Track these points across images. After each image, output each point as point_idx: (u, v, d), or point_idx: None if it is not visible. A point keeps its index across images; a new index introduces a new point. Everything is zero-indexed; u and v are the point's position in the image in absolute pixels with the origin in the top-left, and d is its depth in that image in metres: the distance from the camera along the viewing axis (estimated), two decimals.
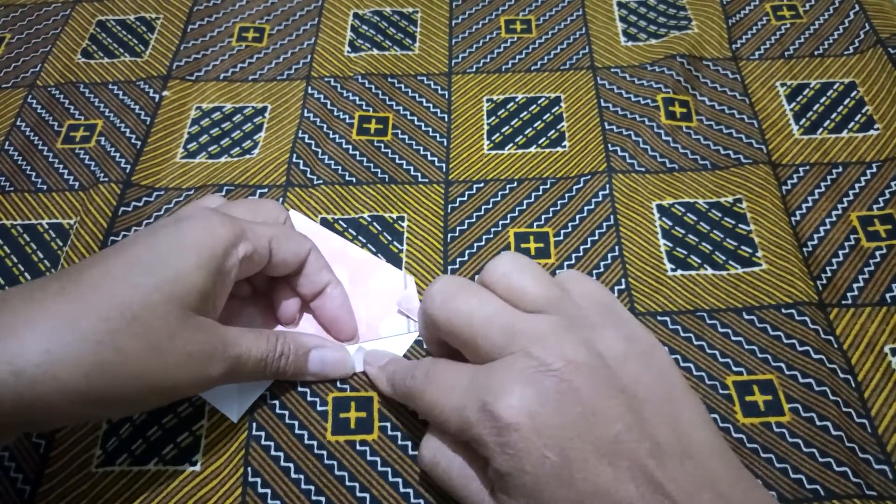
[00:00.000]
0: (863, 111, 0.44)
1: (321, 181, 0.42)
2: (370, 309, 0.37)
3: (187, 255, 0.29)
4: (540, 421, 0.25)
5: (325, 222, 0.40)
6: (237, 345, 0.30)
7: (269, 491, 0.31)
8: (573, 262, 0.38)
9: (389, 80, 0.47)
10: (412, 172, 0.43)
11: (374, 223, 0.40)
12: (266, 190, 0.42)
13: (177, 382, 0.28)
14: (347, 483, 0.32)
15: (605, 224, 0.40)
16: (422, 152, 0.44)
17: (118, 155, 0.44)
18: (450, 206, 0.41)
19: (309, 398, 0.34)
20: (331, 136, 0.44)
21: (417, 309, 0.35)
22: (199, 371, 0.29)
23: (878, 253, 0.38)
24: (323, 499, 0.31)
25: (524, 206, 0.41)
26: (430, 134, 0.45)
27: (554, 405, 0.25)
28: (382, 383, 0.33)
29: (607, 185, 0.41)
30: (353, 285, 0.37)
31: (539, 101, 0.46)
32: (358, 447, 0.33)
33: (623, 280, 0.38)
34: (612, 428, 0.25)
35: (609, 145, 0.43)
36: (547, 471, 0.24)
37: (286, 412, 0.33)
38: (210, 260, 0.29)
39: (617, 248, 0.39)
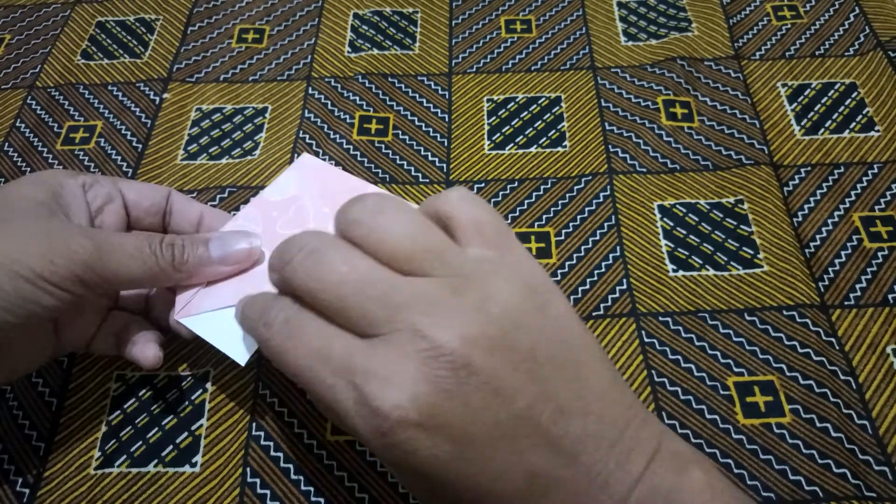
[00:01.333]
0: (864, 112, 0.44)
1: None
2: None
3: (34, 184, 0.31)
4: (435, 419, 0.22)
5: None
6: (98, 232, 0.29)
7: (268, 492, 0.31)
8: (574, 261, 0.38)
9: (390, 80, 0.47)
10: (413, 173, 0.42)
11: None
12: None
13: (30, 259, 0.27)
14: (347, 483, 0.31)
15: (606, 224, 0.40)
16: (422, 152, 0.43)
17: (119, 157, 0.44)
18: None
19: (308, 398, 0.34)
20: (331, 136, 0.44)
21: None
22: (56, 250, 0.27)
23: (880, 254, 0.38)
24: (322, 499, 0.31)
25: (525, 206, 0.41)
26: (431, 134, 0.44)
27: (450, 397, 0.22)
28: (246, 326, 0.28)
29: (608, 186, 0.41)
30: None
31: (539, 101, 0.46)
32: (357, 447, 0.32)
33: (624, 280, 0.37)
34: (515, 406, 0.23)
35: (610, 146, 0.43)
36: (438, 466, 0.22)
37: (285, 410, 0.33)
38: (49, 186, 0.31)
39: (618, 248, 0.39)
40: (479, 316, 0.23)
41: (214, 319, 0.31)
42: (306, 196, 0.35)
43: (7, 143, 0.45)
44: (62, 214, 0.30)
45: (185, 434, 0.33)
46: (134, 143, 0.44)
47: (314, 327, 0.24)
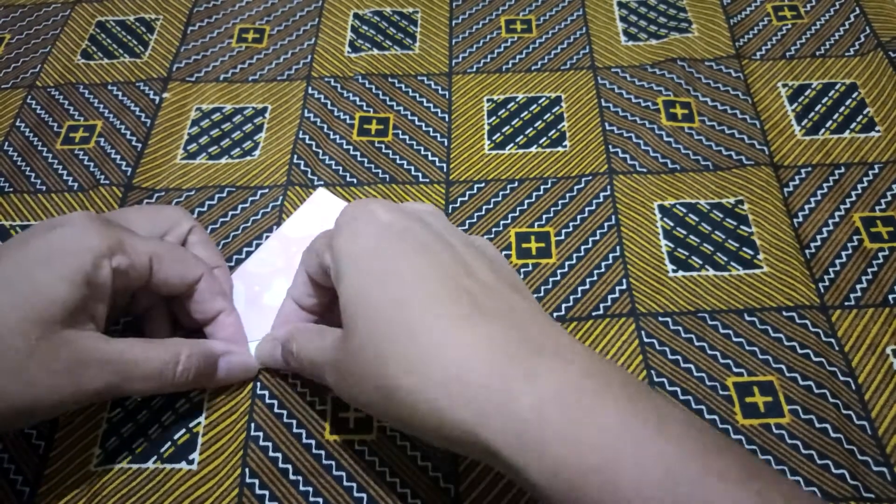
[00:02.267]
0: (864, 112, 0.44)
1: (322, 182, 0.42)
2: None
3: (52, 268, 0.28)
4: (378, 237, 0.27)
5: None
6: (121, 356, 0.29)
7: (267, 492, 0.31)
8: (574, 261, 0.38)
9: (390, 80, 0.47)
10: (413, 172, 0.42)
11: None
12: (267, 190, 0.42)
13: (38, 400, 0.28)
14: (345, 483, 0.31)
15: (606, 224, 0.40)
16: (422, 152, 0.43)
17: (118, 157, 0.44)
18: (451, 206, 0.41)
19: (308, 398, 0.34)
20: (331, 136, 0.44)
21: None
22: (68, 386, 0.28)
23: (880, 254, 0.38)
24: (321, 499, 0.31)
25: (525, 206, 0.41)
26: (431, 134, 0.44)
27: (391, 231, 0.27)
28: (265, 355, 0.34)
29: (608, 186, 0.41)
30: None
31: (540, 101, 0.46)
32: (356, 447, 0.32)
33: (624, 280, 0.37)
34: (440, 256, 0.27)
35: (610, 146, 0.43)
36: (363, 246, 0.27)
37: (284, 411, 0.33)
38: (76, 271, 0.28)
39: (618, 248, 0.39)
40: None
41: None
42: None
43: (7, 143, 0.45)
44: (87, 324, 0.29)
45: (183, 430, 0.33)
46: (133, 143, 0.44)
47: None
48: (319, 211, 0.40)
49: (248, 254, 0.39)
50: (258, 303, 0.37)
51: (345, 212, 0.29)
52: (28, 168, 0.43)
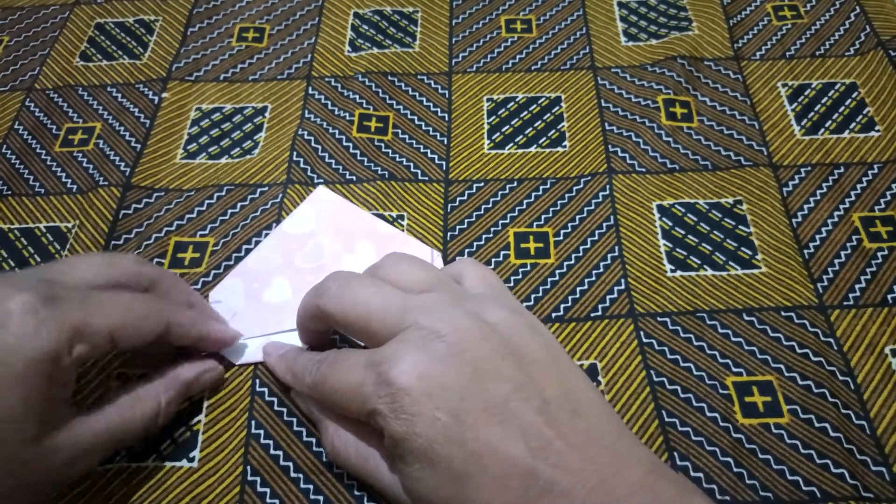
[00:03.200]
0: (864, 112, 0.44)
1: (322, 180, 0.42)
2: None
3: (8, 394, 0.25)
4: (431, 383, 0.25)
5: None
6: (107, 434, 0.29)
7: (268, 490, 0.31)
8: (573, 262, 0.38)
9: (390, 78, 0.47)
10: (412, 170, 0.42)
11: None
12: (266, 188, 0.42)
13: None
14: (346, 481, 0.31)
15: (605, 224, 0.40)
16: (422, 150, 0.44)
17: (117, 158, 0.44)
18: (450, 205, 0.41)
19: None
20: (330, 131, 0.44)
21: None
22: (64, 478, 0.29)
23: (879, 254, 0.38)
24: (321, 497, 0.31)
25: (524, 206, 0.41)
26: (431, 133, 0.44)
27: (444, 367, 0.26)
28: (282, 371, 0.33)
29: (607, 186, 0.41)
30: (379, 258, 0.37)
31: (539, 101, 0.46)
32: None
33: (623, 280, 0.37)
34: (502, 388, 0.26)
35: (609, 146, 0.43)
36: (439, 431, 0.25)
37: (284, 409, 0.33)
38: (35, 386, 0.26)
39: (617, 248, 0.39)
40: (472, 318, 0.27)
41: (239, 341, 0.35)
42: (322, 232, 0.39)
43: (5, 146, 0.45)
44: (60, 420, 0.27)
45: (183, 428, 0.33)
46: (133, 144, 0.44)
47: (345, 354, 0.29)
48: (319, 208, 0.40)
49: (248, 251, 0.39)
50: (257, 300, 0.37)
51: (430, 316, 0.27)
52: (26, 171, 0.43)
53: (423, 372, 0.26)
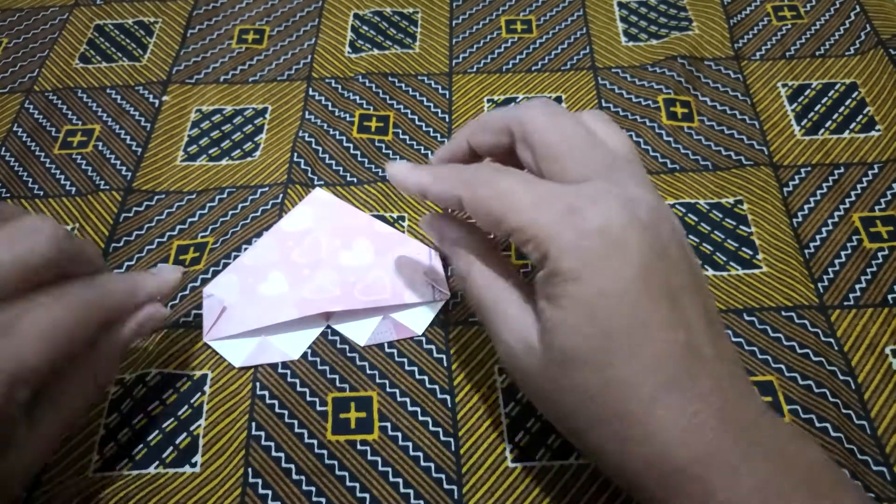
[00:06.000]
0: (864, 112, 0.44)
1: (322, 181, 0.42)
2: (395, 277, 0.37)
3: None
4: (626, 236, 0.24)
5: None
6: (45, 441, 0.27)
7: (269, 492, 0.31)
8: None
9: (390, 79, 0.47)
10: None
11: None
12: (267, 188, 0.42)
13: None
14: (348, 483, 0.32)
15: None
16: (422, 152, 0.44)
17: (118, 162, 0.44)
18: None
19: (308, 398, 0.34)
20: (331, 132, 0.44)
21: (443, 279, 0.37)
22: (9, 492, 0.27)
23: (880, 254, 0.38)
24: (323, 499, 0.31)
25: None
26: (431, 134, 0.44)
27: (642, 233, 0.25)
28: (423, 175, 0.29)
29: None
30: (377, 256, 0.38)
31: None
32: (358, 447, 0.33)
33: None
34: (680, 278, 0.25)
35: None
36: (618, 286, 0.24)
37: (285, 412, 0.33)
38: None
39: None
40: (660, 200, 0.27)
41: (236, 341, 0.36)
42: (319, 230, 0.39)
43: (4, 148, 0.44)
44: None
45: (184, 435, 0.33)
46: (133, 147, 0.44)
47: (523, 174, 0.27)
48: (316, 208, 0.40)
49: (247, 250, 0.39)
50: (253, 292, 0.37)
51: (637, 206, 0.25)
52: (26, 173, 0.43)
53: (625, 224, 0.24)
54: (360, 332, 0.36)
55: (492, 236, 0.31)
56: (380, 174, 0.42)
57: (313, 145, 0.43)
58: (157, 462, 0.32)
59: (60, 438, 0.29)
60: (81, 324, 0.26)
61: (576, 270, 0.24)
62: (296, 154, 0.43)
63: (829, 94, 0.45)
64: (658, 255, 0.25)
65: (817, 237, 0.39)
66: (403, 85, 0.47)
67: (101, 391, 0.30)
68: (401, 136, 0.44)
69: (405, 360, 0.35)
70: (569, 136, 0.27)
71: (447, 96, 0.46)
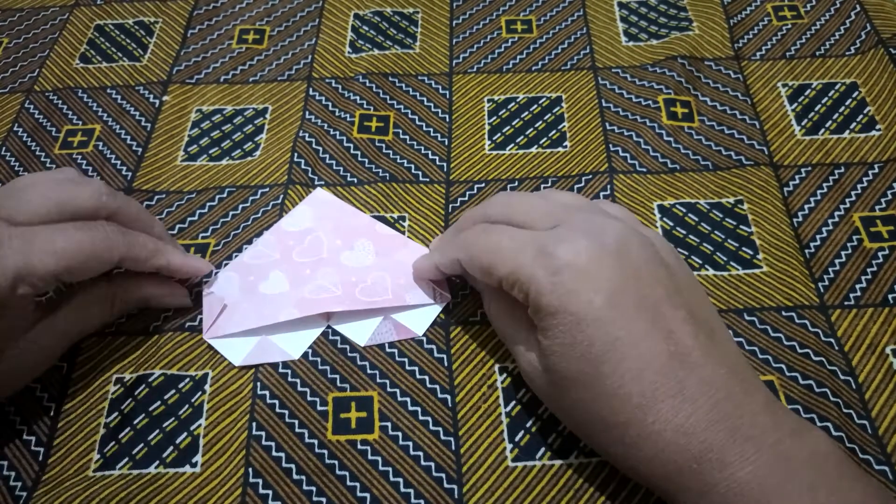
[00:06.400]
0: (864, 112, 0.44)
1: (322, 182, 0.42)
2: (396, 279, 0.37)
3: None
4: (595, 266, 0.27)
5: None
6: (56, 338, 0.33)
7: (270, 492, 0.31)
8: None
9: (390, 79, 0.47)
10: (413, 171, 0.42)
11: None
12: (268, 189, 0.42)
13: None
14: (348, 483, 0.31)
15: None
16: (423, 151, 0.44)
17: (118, 162, 0.44)
18: (451, 205, 0.41)
19: (309, 398, 0.34)
20: (331, 132, 0.44)
21: (443, 281, 0.37)
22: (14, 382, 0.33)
23: (880, 254, 0.38)
24: (324, 499, 0.31)
25: None
26: (432, 134, 0.44)
27: (609, 259, 0.27)
28: (433, 256, 0.35)
29: (608, 186, 0.41)
30: (378, 257, 0.38)
31: (540, 102, 0.46)
32: (359, 446, 0.32)
33: None
34: (656, 292, 0.27)
35: (610, 146, 0.43)
36: (589, 312, 0.26)
37: (286, 412, 0.33)
38: None
39: None
40: (631, 229, 0.29)
41: (236, 339, 0.36)
42: (321, 230, 0.39)
43: (4, 148, 0.44)
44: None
45: (185, 434, 0.33)
46: (134, 147, 0.44)
47: (503, 227, 0.31)
48: (317, 208, 0.40)
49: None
50: (253, 291, 0.37)
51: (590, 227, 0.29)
52: (26, 173, 0.43)
53: (591, 255, 0.27)
54: (360, 333, 0.36)
55: None
56: (380, 174, 0.42)
57: (314, 145, 0.43)
58: (157, 462, 0.32)
59: (74, 337, 0.34)
60: (95, 255, 0.31)
61: (552, 306, 0.27)
62: (296, 154, 0.43)
63: (830, 94, 0.45)
64: (629, 276, 0.27)
65: (817, 237, 0.39)
66: (404, 85, 0.47)
67: (116, 316, 0.36)
68: (401, 137, 0.44)
69: (406, 359, 0.35)
70: (528, 201, 0.32)
71: (447, 96, 0.46)
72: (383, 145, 0.44)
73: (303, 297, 0.36)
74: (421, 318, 0.36)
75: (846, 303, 0.36)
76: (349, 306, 0.36)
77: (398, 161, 0.43)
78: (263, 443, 0.32)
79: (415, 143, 0.44)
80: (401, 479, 0.32)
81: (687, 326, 0.27)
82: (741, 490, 0.24)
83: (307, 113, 0.45)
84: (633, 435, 0.26)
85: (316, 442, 0.33)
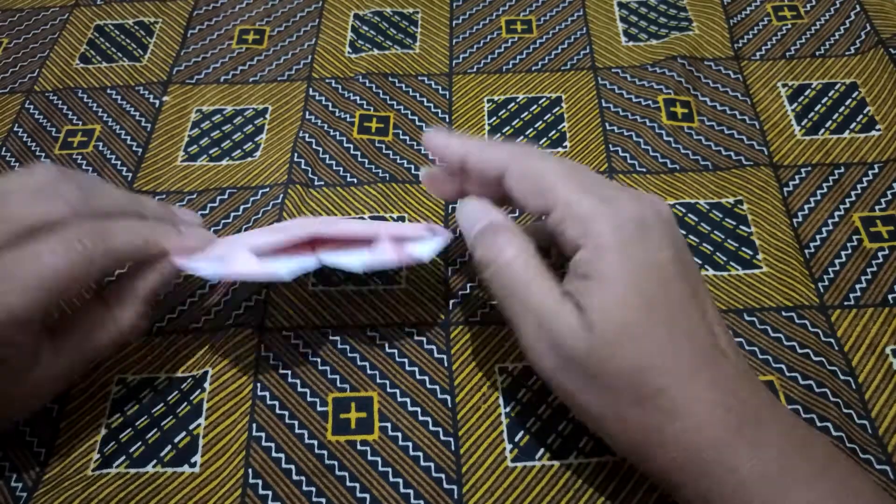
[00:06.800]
0: (864, 112, 0.44)
1: (322, 182, 0.42)
2: (387, 228, 0.33)
3: None
4: (655, 229, 0.27)
5: None
6: (69, 366, 0.30)
7: (270, 493, 0.31)
8: None
9: (390, 79, 0.47)
10: (413, 172, 0.43)
11: None
12: (268, 189, 0.42)
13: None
14: (348, 483, 0.32)
15: None
16: (423, 152, 0.44)
17: (118, 162, 0.44)
18: (451, 206, 0.41)
19: (308, 398, 0.34)
20: (331, 133, 0.44)
21: (442, 228, 0.34)
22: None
23: (880, 254, 0.38)
24: (324, 500, 0.31)
25: None
26: None
27: (667, 227, 0.28)
28: (468, 141, 0.31)
29: None
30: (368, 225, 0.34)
31: (540, 102, 0.46)
32: (359, 447, 0.33)
33: None
34: (695, 271, 0.28)
35: (610, 146, 0.43)
36: (653, 260, 0.26)
37: (286, 412, 0.33)
38: None
39: None
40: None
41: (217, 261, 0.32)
42: (295, 227, 0.34)
43: (4, 149, 0.44)
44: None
45: (184, 433, 0.33)
46: (134, 148, 0.44)
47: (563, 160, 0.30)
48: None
49: None
50: (238, 241, 0.33)
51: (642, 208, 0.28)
52: None
53: (654, 217, 0.27)
54: (356, 260, 0.31)
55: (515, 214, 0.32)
56: (380, 175, 0.42)
57: (314, 146, 0.43)
58: (154, 461, 0.32)
59: (85, 365, 0.31)
60: (79, 274, 0.28)
61: (620, 245, 0.26)
62: (296, 154, 0.43)
63: (830, 94, 0.45)
64: (681, 249, 0.28)
65: (817, 237, 0.39)
66: (404, 85, 0.47)
67: (126, 333, 0.32)
68: (401, 137, 0.44)
69: (406, 360, 0.35)
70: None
71: (447, 97, 0.47)
72: (383, 146, 0.44)
73: (286, 232, 0.32)
74: (425, 245, 0.32)
75: (846, 303, 0.36)
76: (338, 228, 0.32)
77: (398, 161, 0.43)
78: (263, 444, 0.32)
79: (415, 143, 0.44)
80: (400, 480, 0.32)
81: (715, 312, 0.27)
82: (745, 486, 0.24)
83: (307, 113, 0.45)
84: (667, 406, 0.25)
85: (316, 442, 0.33)
